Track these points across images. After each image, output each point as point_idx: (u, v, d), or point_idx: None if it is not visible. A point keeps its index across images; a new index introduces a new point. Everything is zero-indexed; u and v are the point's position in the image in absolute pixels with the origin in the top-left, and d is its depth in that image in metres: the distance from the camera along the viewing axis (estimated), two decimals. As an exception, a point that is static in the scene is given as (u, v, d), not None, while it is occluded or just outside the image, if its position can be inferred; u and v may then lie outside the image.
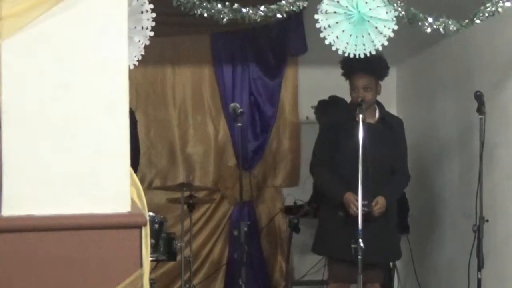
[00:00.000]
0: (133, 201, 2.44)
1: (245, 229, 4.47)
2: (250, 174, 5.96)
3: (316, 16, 3.20)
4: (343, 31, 3.21)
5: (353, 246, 3.86)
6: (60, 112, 2.34)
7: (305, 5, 3.19)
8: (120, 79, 2.40)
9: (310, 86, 6.04)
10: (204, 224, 6.02)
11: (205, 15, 3.12)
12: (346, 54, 3.27)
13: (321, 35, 3.21)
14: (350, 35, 3.23)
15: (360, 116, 3.90)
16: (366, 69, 4.19)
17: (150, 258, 2.56)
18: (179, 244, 4.77)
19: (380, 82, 4.34)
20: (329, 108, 5.35)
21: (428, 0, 3.50)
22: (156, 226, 4.57)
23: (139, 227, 2.37)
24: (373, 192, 4.13)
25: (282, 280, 6.06)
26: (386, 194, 4.20)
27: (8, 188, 2.30)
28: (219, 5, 3.13)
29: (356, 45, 3.25)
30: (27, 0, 2.28)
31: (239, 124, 4.44)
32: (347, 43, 3.24)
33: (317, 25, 3.20)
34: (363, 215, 3.92)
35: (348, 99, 4.48)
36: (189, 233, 5.33)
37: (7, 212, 2.30)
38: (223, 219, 6.07)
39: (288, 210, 5.97)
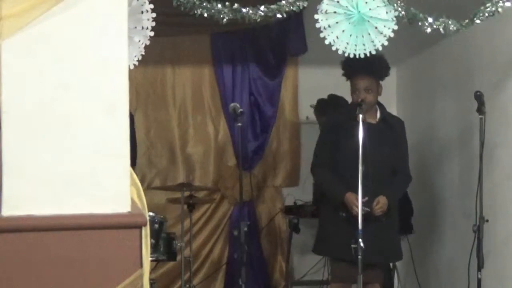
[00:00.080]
0: (133, 201, 2.44)
1: (245, 229, 4.47)
2: (250, 174, 5.96)
3: (316, 16, 3.20)
4: (343, 31, 3.21)
5: (353, 246, 3.86)
6: (60, 112, 2.34)
7: (305, 5, 3.19)
8: (120, 79, 2.40)
9: (310, 86, 6.04)
10: (204, 224, 6.02)
11: (205, 15, 3.12)
12: (346, 54, 3.27)
13: (321, 35, 3.21)
14: (350, 35, 3.23)
15: (360, 116, 3.90)
16: (367, 70, 4.19)
17: (150, 258, 2.56)
18: (179, 244, 4.77)
19: (381, 82, 4.35)
20: (328, 108, 5.36)
21: (428, 0, 3.50)
22: (156, 226, 4.57)
23: (139, 227, 2.37)
24: (373, 192, 4.13)
25: (282, 280, 6.06)
26: (387, 194, 4.20)
27: (8, 188, 2.30)
28: (219, 5, 3.13)
29: (356, 45, 3.25)
30: (27, 0, 2.28)
31: (239, 124, 4.44)
32: (347, 43, 3.24)
33: (317, 25, 3.20)
34: (364, 214, 3.92)
35: (348, 98, 4.48)
36: (189, 233, 5.33)
37: (7, 212, 2.30)
38: (223, 219, 6.07)
39: (288, 210, 5.97)
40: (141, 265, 2.36)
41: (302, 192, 6.06)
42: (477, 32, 4.41)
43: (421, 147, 5.64)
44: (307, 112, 6.06)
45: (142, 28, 3.07)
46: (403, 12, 3.23)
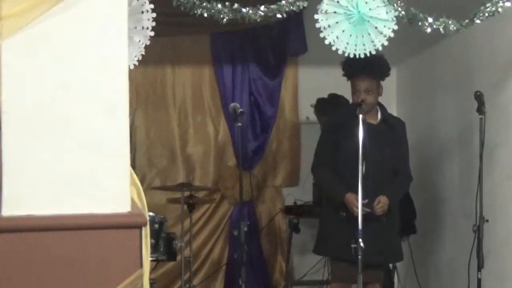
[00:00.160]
0: (133, 201, 2.44)
1: (245, 229, 4.47)
2: (250, 174, 5.95)
3: (316, 16, 3.20)
4: (343, 31, 3.21)
5: (353, 246, 3.86)
6: (60, 112, 2.34)
7: (305, 5, 3.19)
8: (120, 79, 2.40)
9: (310, 86, 6.03)
10: (204, 224, 6.02)
11: (205, 15, 3.12)
12: (346, 54, 3.27)
13: (321, 35, 3.21)
14: (350, 35, 3.23)
15: (360, 116, 3.90)
16: (367, 71, 4.19)
17: (150, 258, 2.56)
18: (179, 244, 4.77)
19: (381, 82, 4.34)
20: (328, 107, 5.36)
21: (428, 0, 3.50)
22: (156, 226, 4.57)
23: (139, 227, 2.37)
24: (374, 192, 4.13)
25: (282, 280, 6.06)
26: (388, 194, 4.20)
27: (8, 188, 2.30)
28: (219, 5, 3.13)
29: (356, 45, 3.25)
30: (27, 0, 2.28)
31: (239, 124, 4.44)
32: (347, 43, 3.24)
33: (317, 25, 3.20)
34: (365, 215, 3.92)
35: (348, 97, 4.48)
36: (189, 233, 5.33)
37: (7, 212, 2.30)
38: (223, 219, 6.07)
39: (288, 210, 5.97)
40: (141, 265, 2.36)
41: (302, 192, 6.06)
42: (477, 32, 4.41)
43: (421, 147, 5.64)
44: (307, 112, 6.05)
45: (142, 28, 3.07)
46: (403, 12, 3.23)
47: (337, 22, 3.20)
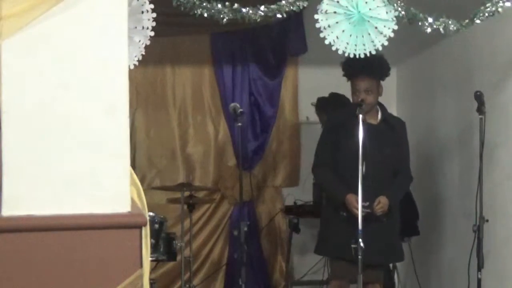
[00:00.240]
0: (133, 201, 2.44)
1: (245, 229, 4.47)
2: (250, 174, 5.96)
3: (316, 16, 3.20)
4: (343, 31, 3.21)
5: (353, 246, 3.86)
6: (60, 112, 2.34)
7: (305, 5, 3.19)
8: (120, 79, 2.40)
9: (310, 86, 6.03)
10: (204, 224, 6.02)
11: (205, 15, 3.12)
12: (346, 54, 3.27)
13: (321, 35, 3.21)
14: (350, 35, 3.23)
15: (360, 116, 3.90)
16: (367, 71, 4.19)
17: (150, 258, 2.56)
18: (179, 244, 4.77)
19: (381, 82, 4.35)
20: (329, 106, 5.36)
21: (428, 0, 3.50)
22: (156, 226, 4.57)
23: (139, 227, 2.37)
24: (374, 192, 4.13)
25: (282, 280, 6.06)
26: (388, 194, 4.20)
27: (8, 188, 2.30)
28: (219, 5, 3.13)
29: (356, 45, 3.25)
30: (27, 0, 2.28)
31: (239, 124, 4.44)
32: (347, 43, 3.24)
33: (317, 25, 3.20)
34: (365, 215, 3.92)
35: (349, 97, 4.49)
36: (189, 233, 5.33)
37: (7, 212, 2.30)
38: (223, 219, 6.07)
39: (288, 210, 5.97)
40: (141, 265, 2.36)
41: (302, 192, 6.06)
42: (477, 32, 4.41)
43: (421, 147, 5.64)
44: (307, 112, 6.06)
45: (142, 28, 3.07)
46: (403, 12, 3.23)
47: (337, 22, 3.20)
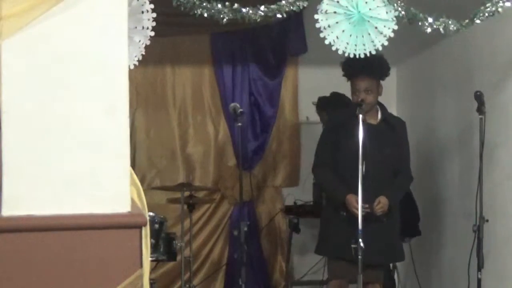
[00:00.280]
0: (133, 201, 2.44)
1: (245, 229, 4.47)
2: (250, 174, 5.96)
3: (316, 16, 3.20)
4: (343, 31, 3.21)
5: (353, 246, 3.86)
6: (60, 112, 2.34)
7: (305, 5, 3.19)
8: (120, 79, 2.40)
9: (310, 86, 6.03)
10: (204, 224, 6.02)
11: (205, 15, 3.12)
12: (346, 54, 3.27)
13: (321, 35, 3.21)
14: (350, 35, 3.23)
15: (360, 116, 3.90)
16: (367, 71, 4.19)
17: (150, 258, 2.56)
18: (179, 244, 4.77)
19: (381, 82, 4.35)
20: (329, 105, 5.36)
21: (428, 0, 3.50)
22: (156, 226, 4.57)
23: (139, 227, 2.37)
24: (374, 192, 4.13)
25: (282, 280, 6.06)
26: (388, 194, 4.20)
27: (8, 188, 2.30)
28: (219, 5, 3.13)
29: (356, 45, 3.25)
30: (27, 0, 2.28)
31: (239, 124, 4.44)
32: (347, 43, 3.24)
33: (317, 25, 3.20)
34: (365, 215, 3.92)
35: (349, 96, 4.49)
36: (189, 233, 5.33)
37: (7, 212, 2.29)
38: (223, 219, 6.07)
39: (288, 210, 5.97)
40: (141, 265, 2.36)
41: (302, 192, 6.06)
42: (477, 32, 4.41)
43: (421, 147, 5.64)
44: (307, 112, 6.06)
45: (142, 28, 3.07)
46: (403, 12, 3.23)
47: (337, 22, 3.20)
